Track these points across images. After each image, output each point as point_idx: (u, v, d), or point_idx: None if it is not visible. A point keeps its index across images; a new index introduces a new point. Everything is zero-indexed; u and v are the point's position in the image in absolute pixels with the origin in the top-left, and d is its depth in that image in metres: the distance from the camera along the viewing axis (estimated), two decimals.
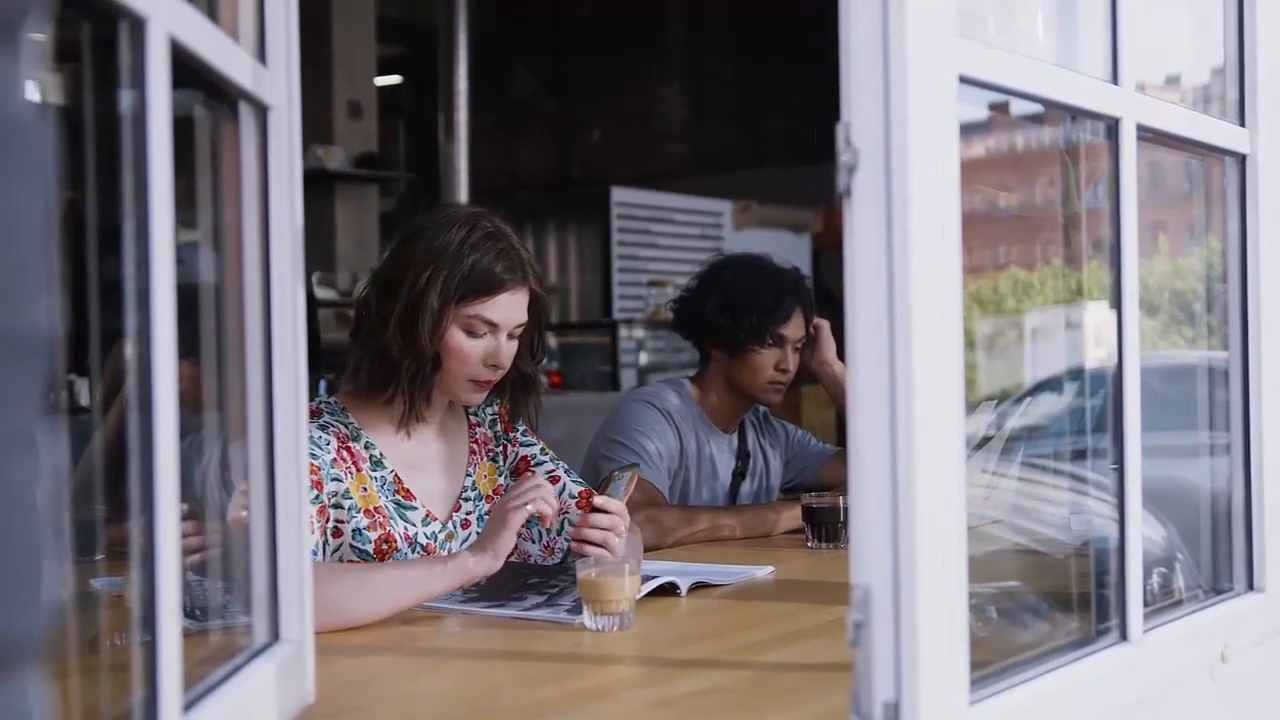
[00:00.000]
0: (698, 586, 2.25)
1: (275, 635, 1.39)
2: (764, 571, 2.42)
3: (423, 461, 2.35)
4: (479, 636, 1.89)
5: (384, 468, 2.28)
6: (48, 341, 0.60)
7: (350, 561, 2.20)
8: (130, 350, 1.01)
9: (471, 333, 2.25)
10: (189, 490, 1.11)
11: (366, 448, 2.28)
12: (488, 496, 2.42)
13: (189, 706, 1.10)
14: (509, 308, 2.26)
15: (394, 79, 10.26)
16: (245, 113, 1.35)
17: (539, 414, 2.45)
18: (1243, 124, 1.86)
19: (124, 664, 1.24)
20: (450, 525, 2.34)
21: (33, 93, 0.62)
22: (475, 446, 2.44)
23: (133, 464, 1.02)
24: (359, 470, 2.25)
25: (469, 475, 2.41)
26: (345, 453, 2.23)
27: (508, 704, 1.59)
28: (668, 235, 8.24)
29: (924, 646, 1.18)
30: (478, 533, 2.35)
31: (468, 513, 2.39)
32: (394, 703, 1.62)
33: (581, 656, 1.82)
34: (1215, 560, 1.91)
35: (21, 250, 0.57)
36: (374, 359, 2.26)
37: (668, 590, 2.17)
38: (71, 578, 1.07)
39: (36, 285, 0.58)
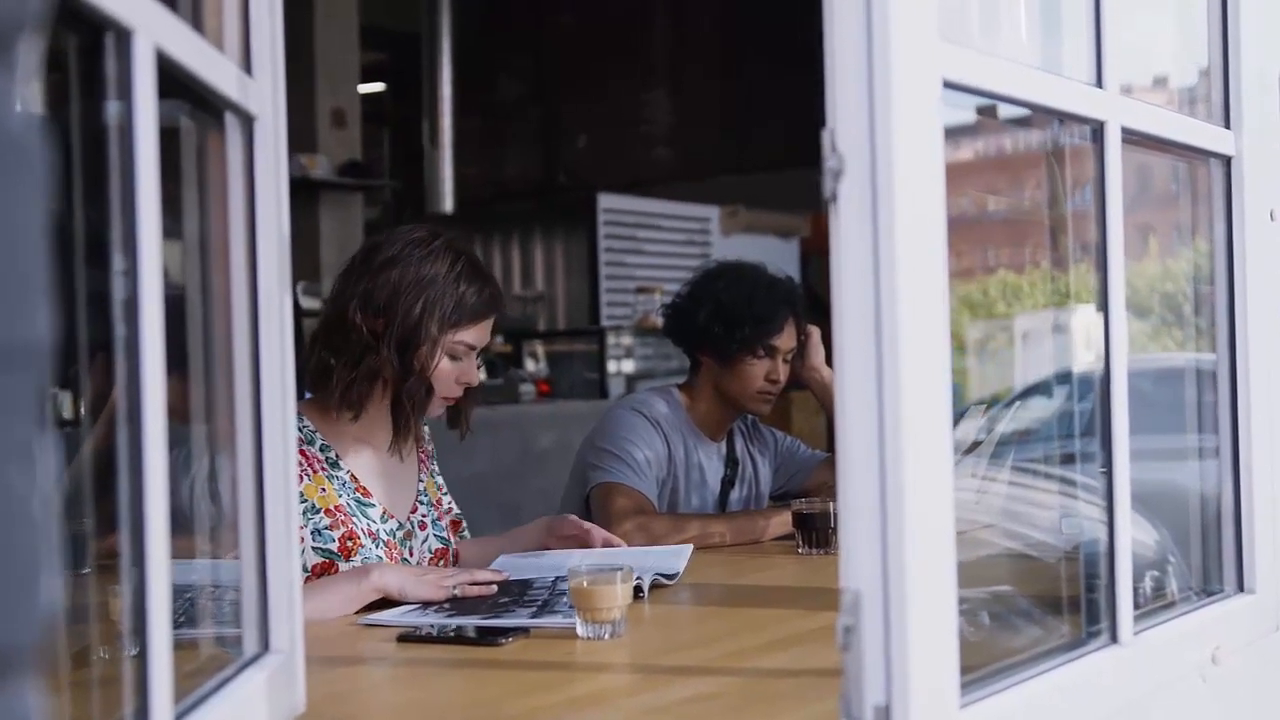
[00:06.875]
0: (657, 586, 2.27)
1: (265, 646, 1.39)
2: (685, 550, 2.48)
3: (378, 467, 2.43)
4: (469, 647, 1.88)
5: (341, 469, 2.36)
6: (44, 353, 0.60)
7: (314, 565, 2.26)
8: (118, 362, 1.01)
9: (453, 356, 2.37)
10: (177, 503, 1.10)
11: (322, 450, 2.36)
12: (434, 503, 2.53)
13: (180, 718, 1.10)
14: (488, 332, 2.42)
15: (377, 86, 10.24)
16: (231, 123, 1.35)
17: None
18: (1228, 126, 1.86)
19: (108, 677, 1.24)
20: (409, 525, 2.44)
21: (28, 104, 0.63)
22: (423, 457, 2.56)
23: (122, 477, 1.01)
24: (316, 472, 2.32)
25: (420, 481, 2.52)
26: (299, 456, 2.27)
27: (500, 713, 1.58)
28: (655, 241, 8.22)
29: (914, 650, 1.18)
30: (434, 535, 2.49)
31: (423, 515, 2.49)
32: (384, 713, 1.62)
33: (574, 664, 1.81)
34: (1205, 562, 1.91)
35: (21, 261, 0.57)
36: (364, 379, 2.33)
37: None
38: (63, 590, 1.07)
39: (35, 296, 0.59)
